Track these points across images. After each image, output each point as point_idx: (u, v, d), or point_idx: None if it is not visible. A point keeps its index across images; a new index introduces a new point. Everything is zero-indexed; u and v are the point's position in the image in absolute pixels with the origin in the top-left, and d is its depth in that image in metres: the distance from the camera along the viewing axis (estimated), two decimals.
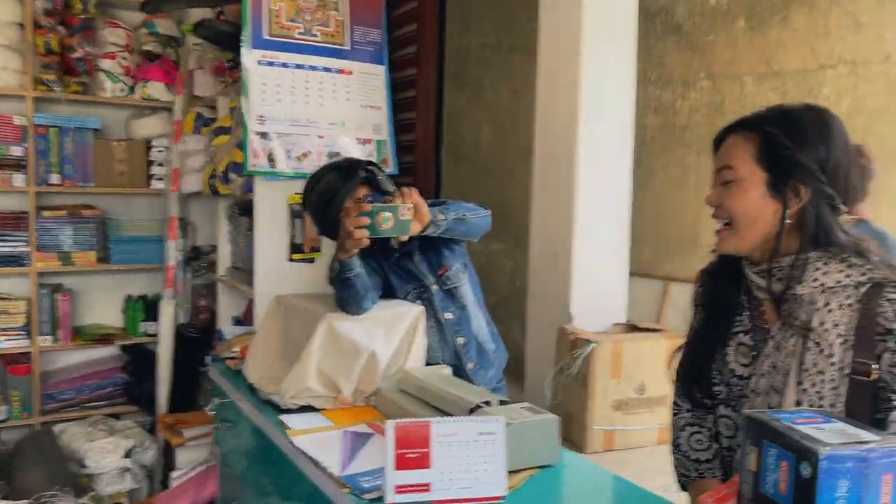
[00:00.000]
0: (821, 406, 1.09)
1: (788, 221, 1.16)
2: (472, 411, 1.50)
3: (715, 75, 4.43)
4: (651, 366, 3.78)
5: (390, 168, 3.50)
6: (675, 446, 1.35)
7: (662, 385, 3.84)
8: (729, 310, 1.25)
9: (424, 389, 1.67)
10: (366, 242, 1.62)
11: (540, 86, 4.24)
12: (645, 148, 4.84)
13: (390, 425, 1.23)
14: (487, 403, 1.52)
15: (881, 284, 1.09)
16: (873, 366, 1.05)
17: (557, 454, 1.47)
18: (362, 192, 1.89)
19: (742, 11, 4.28)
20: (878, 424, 1.06)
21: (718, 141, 1.27)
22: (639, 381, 3.74)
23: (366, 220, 1.55)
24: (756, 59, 4.23)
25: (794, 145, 1.15)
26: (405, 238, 1.72)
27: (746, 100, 4.32)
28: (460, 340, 2.02)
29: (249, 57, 3.06)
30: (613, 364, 3.71)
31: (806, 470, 0.77)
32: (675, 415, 1.37)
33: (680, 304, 4.90)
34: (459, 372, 2.03)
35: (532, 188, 4.38)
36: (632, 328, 4.19)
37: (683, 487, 1.34)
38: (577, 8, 3.92)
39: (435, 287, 1.99)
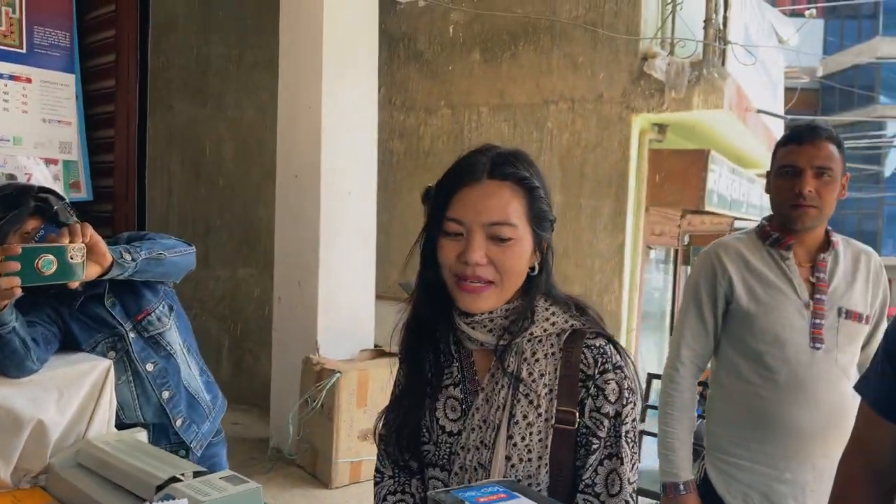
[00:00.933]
0: (529, 460, 1.05)
1: (533, 274, 1.11)
2: (159, 489, 1.28)
3: (454, 104, 4.60)
4: None
5: (83, 194, 3.01)
6: None
7: None
8: (438, 363, 1.17)
9: (106, 464, 1.40)
10: (17, 293, 1.32)
11: (282, 104, 4.06)
12: (391, 171, 4.88)
13: None
14: (182, 476, 1.30)
15: (581, 332, 1.08)
16: (577, 414, 1.05)
17: None
18: (31, 224, 1.57)
19: (477, 44, 4.50)
20: (578, 470, 1.06)
21: (457, 181, 1.07)
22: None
23: (14, 266, 1.25)
24: (490, 90, 4.46)
25: (548, 199, 1.11)
26: (78, 284, 1.43)
27: (483, 129, 4.54)
28: (166, 394, 1.76)
29: None
30: (359, 393, 3.62)
31: None
32: (377, 484, 1.27)
33: None
34: (165, 431, 1.77)
35: (276, 213, 4.17)
36: (380, 353, 4.15)
37: None
38: (318, 27, 3.81)
39: (133, 334, 1.70)
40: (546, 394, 1.06)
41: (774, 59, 7.83)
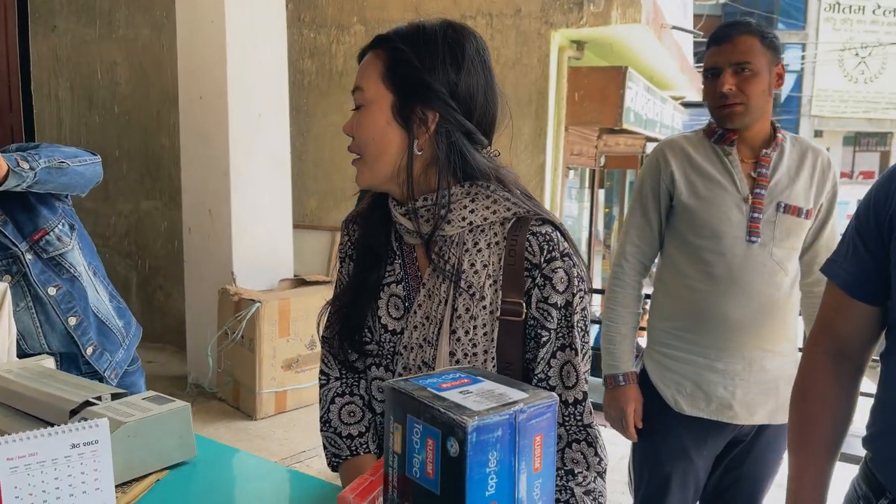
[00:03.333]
0: (475, 355, 0.99)
1: (419, 153, 1.00)
2: (73, 413, 1.16)
3: (367, 20, 4.39)
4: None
5: None
6: (325, 423, 1.17)
7: None
8: (379, 258, 1.09)
9: (12, 393, 1.27)
10: None
11: (181, 19, 3.75)
12: (303, 93, 4.65)
13: None
14: (98, 399, 1.19)
15: (525, 219, 1.01)
16: (524, 305, 0.99)
17: (192, 447, 1.21)
18: None
19: None
20: (529, 364, 1.01)
21: (360, 60, 1.06)
22: (309, 337, 3.62)
23: None
24: (405, 5, 4.27)
25: (421, 64, 0.98)
26: None
27: None
28: (73, 320, 1.60)
29: None
30: (281, 322, 3.52)
31: (453, 447, 0.64)
32: (322, 386, 1.16)
33: None
34: (75, 360, 1.63)
35: (181, 139, 3.91)
36: (300, 282, 4.04)
37: (334, 468, 1.19)
38: None
39: (30, 256, 1.54)
40: (490, 285, 1.00)
41: None
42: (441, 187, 1.00)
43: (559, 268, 0.99)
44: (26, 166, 1.39)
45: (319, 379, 1.19)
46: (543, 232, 1.00)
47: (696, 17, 9.74)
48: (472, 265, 1.01)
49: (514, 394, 0.68)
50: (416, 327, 1.04)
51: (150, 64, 4.87)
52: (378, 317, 1.08)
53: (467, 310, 1.00)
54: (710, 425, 1.72)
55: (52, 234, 1.57)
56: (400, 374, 1.06)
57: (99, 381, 1.69)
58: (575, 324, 1.00)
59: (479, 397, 0.67)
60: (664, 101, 5.41)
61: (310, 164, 4.58)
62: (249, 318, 3.43)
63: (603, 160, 5.53)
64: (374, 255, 1.09)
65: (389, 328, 1.07)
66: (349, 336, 1.10)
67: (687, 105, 7.34)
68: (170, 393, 3.83)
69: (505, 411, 0.64)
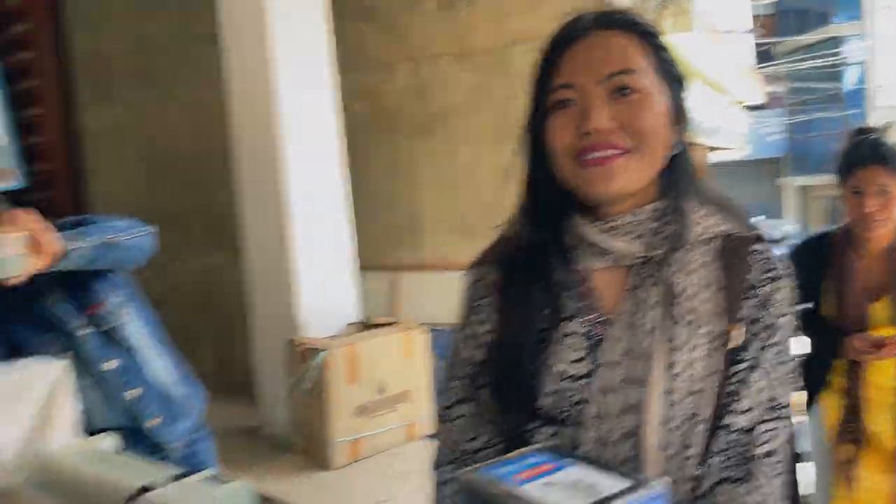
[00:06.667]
0: (699, 391, 0.86)
1: (676, 153, 0.93)
2: (130, 501, 1.10)
3: (414, 58, 4.37)
4: (389, 362, 3.60)
5: (13, 181, 2.66)
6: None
7: (404, 380, 3.67)
8: (545, 295, 0.94)
9: (68, 482, 1.22)
10: None
11: (230, 78, 3.81)
12: (356, 135, 4.64)
13: None
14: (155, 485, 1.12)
15: (744, 238, 0.92)
16: (733, 333, 0.88)
17: None
18: None
19: None
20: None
21: (558, 47, 0.92)
22: (378, 381, 3.54)
23: None
24: (450, 39, 4.23)
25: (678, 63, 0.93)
26: (19, 279, 1.23)
27: (448, 81, 4.31)
28: (133, 394, 1.56)
29: None
30: (349, 369, 3.45)
31: None
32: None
33: (413, 292, 4.80)
34: (137, 434, 1.59)
35: (238, 192, 3.94)
36: (367, 326, 3.98)
37: None
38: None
39: (86, 331, 1.52)
40: (709, 311, 0.88)
41: None
42: (678, 198, 0.92)
43: (782, 288, 0.92)
44: (80, 245, 1.36)
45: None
46: (761, 250, 0.92)
47: (753, 17, 9.42)
48: (685, 289, 0.89)
49: (610, 484, 0.56)
50: (614, 365, 0.89)
51: (210, 123, 4.96)
52: (549, 365, 0.91)
53: (686, 340, 0.88)
54: None
55: (107, 306, 1.54)
56: (592, 426, 0.89)
57: (164, 453, 1.65)
58: (769, 343, 0.90)
59: (565, 492, 0.55)
60: (725, 108, 5.20)
61: (367, 205, 4.56)
62: (316, 367, 3.38)
63: None
64: (538, 293, 0.94)
65: (569, 373, 0.91)
66: (512, 393, 0.93)
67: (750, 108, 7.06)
68: (242, 448, 3.80)
69: None
